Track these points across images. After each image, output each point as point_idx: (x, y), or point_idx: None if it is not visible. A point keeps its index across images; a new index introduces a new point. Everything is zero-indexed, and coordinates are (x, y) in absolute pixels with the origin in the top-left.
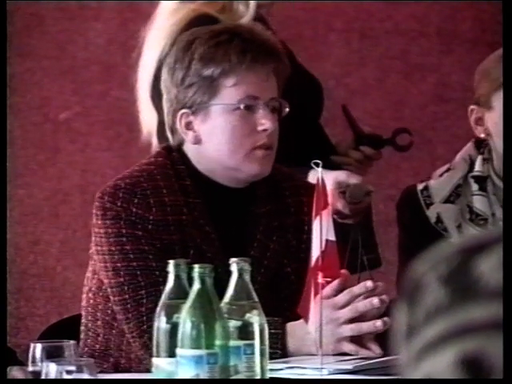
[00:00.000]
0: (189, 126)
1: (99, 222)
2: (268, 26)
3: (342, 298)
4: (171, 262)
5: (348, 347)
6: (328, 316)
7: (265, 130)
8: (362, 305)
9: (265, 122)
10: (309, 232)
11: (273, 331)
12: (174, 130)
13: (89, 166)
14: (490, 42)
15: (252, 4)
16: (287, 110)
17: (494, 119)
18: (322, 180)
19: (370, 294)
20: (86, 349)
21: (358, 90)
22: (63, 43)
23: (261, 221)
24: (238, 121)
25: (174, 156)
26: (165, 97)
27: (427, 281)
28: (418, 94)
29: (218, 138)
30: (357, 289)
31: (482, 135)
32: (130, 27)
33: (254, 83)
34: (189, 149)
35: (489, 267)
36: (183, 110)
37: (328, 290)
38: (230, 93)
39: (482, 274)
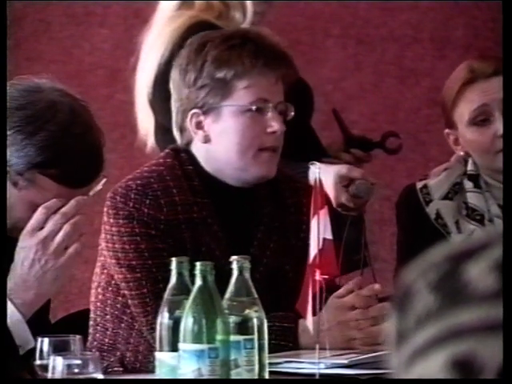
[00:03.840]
0: (199, 125)
1: (111, 221)
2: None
3: (351, 299)
4: (174, 260)
5: (358, 346)
6: (338, 317)
7: (274, 132)
8: (373, 309)
9: (274, 124)
10: (307, 231)
11: (286, 325)
12: (182, 129)
13: None
14: (481, 48)
15: (249, 12)
16: (292, 113)
17: (461, 136)
18: (320, 180)
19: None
20: (95, 343)
21: (355, 94)
22: (70, 48)
23: (263, 220)
24: (248, 122)
25: (182, 157)
26: (174, 97)
27: (417, 287)
28: (412, 98)
29: (229, 139)
30: (365, 291)
31: (462, 153)
32: (134, 33)
33: (265, 86)
34: (197, 148)
35: (477, 272)
36: (194, 110)
37: (341, 291)
38: (242, 95)
39: (470, 279)
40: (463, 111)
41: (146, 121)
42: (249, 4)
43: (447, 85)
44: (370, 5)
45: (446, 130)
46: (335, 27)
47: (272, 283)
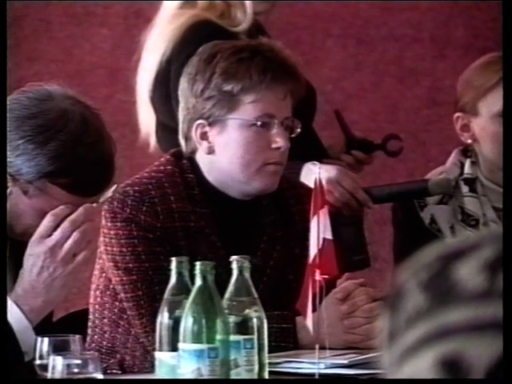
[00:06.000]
0: (204, 136)
1: (109, 225)
2: (264, 33)
3: (347, 308)
4: (174, 260)
5: (354, 338)
6: (337, 325)
7: (278, 148)
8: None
9: (279, 140)
10: None
11: (284, 326)
12: (187, 138)
13: None
14: (481, 48)
15: (249, 12)
16: (299, 129)
17: (480, 125)
18: (320, 180)
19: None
20: (93, 345)
21: (355, 93)
22: (70, 48)
23: (265, 230)
24: (253, 137)
25: (183, 164)
26: (181, 105)
27: (408, 287)
28: (412, 98)
29: (232, 151)
30: (360, 301)
31: (469, 141)
32: (134, 33)
33: (272, 102)
34: (201, 158)
35: (466, 272)
36: (200, 121)
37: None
38: (248, 109)
39: (460, 278)
40: (496, 101)
41: (147, 119)
42: (250, 4)
43: (482, 70)
44: (370, 4)
45: (457, 114)
46: (335, 27)
47: (275, 293)
